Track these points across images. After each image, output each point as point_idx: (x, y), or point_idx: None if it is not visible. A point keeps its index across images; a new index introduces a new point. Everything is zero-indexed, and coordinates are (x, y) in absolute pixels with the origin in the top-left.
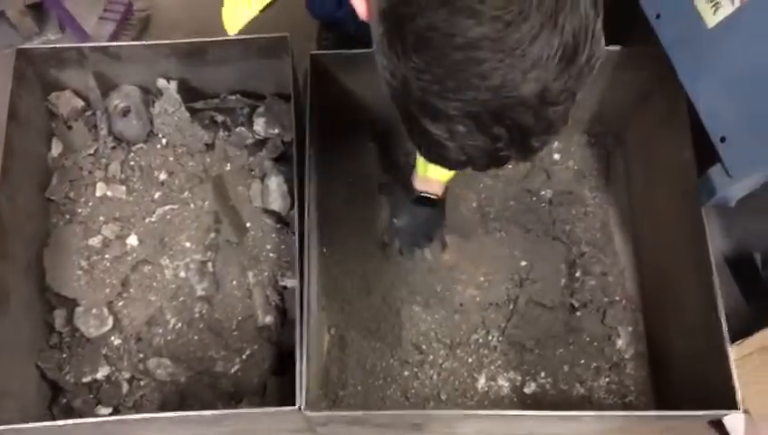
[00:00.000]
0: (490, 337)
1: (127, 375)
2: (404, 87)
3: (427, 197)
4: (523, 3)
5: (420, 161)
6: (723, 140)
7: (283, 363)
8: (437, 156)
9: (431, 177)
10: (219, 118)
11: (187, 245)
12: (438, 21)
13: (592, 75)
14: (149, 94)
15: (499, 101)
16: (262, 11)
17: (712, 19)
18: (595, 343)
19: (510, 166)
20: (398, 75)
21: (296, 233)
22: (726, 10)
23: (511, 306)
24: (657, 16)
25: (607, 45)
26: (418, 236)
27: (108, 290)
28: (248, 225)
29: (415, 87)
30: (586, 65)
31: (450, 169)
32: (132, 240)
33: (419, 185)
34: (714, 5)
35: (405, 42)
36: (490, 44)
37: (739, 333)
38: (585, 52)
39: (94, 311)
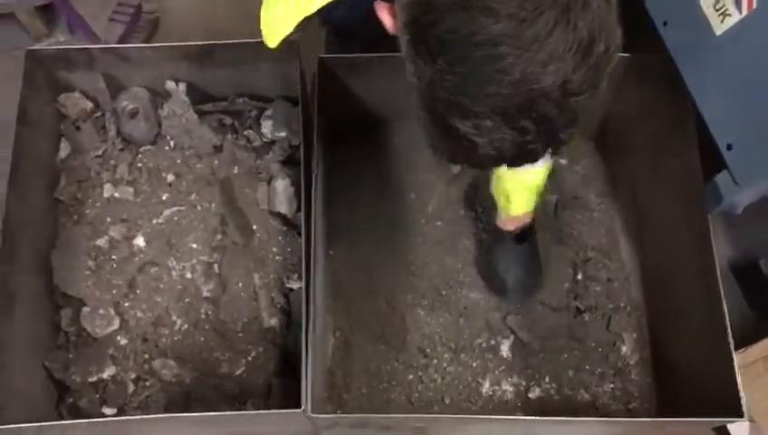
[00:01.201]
0: (494, 341)
1: (132, 375)
2: (431, 89)
3: (523, 232)
4: (536, 1)
5: (503, 201)
6: (729, 147)
7: (288, 366)
8: (466, 152)
9: (520, 212)
10: (227, 120)
11: (194, 246)
12: (458, 23)
13: (611, 65)
14: (158, 96)
15: (522, 95)
16: (295, 29)
17: (719, 27)
18: (600, 349)
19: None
20: (425, 78)
21: (302, 235)
22: (734, 18)
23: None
24: (665, 23)
25: None
26: (527, 281)
27: (114, 291)
28: (255, 227)
29: (441, 88)
30: (604, 56)
31: (480, 166)
32: (139, 241)
33: (510, 225)
34: (721, 13)
35: (429, 47)
36: (508, 40)
37: (743, 341)
38: (601, 44)
39: (101, 311)
